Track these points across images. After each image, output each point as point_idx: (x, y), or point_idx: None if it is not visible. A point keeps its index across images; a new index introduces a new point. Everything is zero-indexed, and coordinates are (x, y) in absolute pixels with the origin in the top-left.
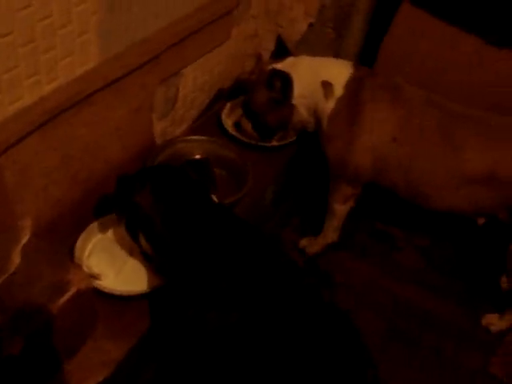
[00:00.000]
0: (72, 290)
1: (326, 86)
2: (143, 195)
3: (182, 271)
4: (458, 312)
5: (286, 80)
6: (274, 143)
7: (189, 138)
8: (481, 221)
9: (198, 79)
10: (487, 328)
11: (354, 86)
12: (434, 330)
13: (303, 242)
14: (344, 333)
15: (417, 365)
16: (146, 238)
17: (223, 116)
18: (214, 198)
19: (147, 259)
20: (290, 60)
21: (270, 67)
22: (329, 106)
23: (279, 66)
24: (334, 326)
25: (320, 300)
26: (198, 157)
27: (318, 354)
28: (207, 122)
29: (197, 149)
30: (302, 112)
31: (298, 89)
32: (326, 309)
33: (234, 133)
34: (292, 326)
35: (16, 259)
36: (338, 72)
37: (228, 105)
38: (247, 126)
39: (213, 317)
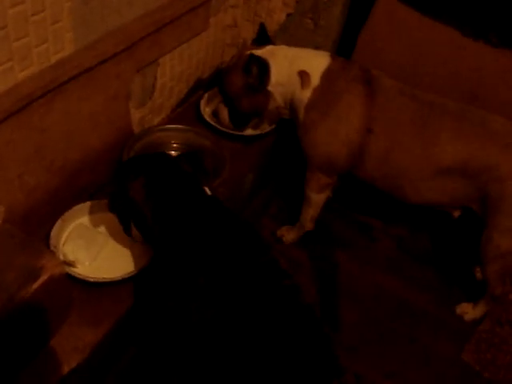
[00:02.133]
0: (45, 276)
1: (303, 75)
2: (136, 189)
3: (169, 263)
4: (433, 301)
5: (263, 66)
6: (249, 132)
7: (166, 126)
8: (456, 214)
9: (175, 69)
10: (461, 317)
11: (331, 77)
12: (409, 318)
13: (280, 231)
14: (314, 339)
15: (392, 353)
16: (138, 229)
17: (202, 105)
18: (208, 190)
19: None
20: (269, 48)
21: (248, 52)
22: (305, 95)
23: (258, 52)
24: (304, 332)
25: (296, 303)
26: (175, 145)
27: (285, 361)
28: (186, 111)
29: (174, 138)
30: (278, 100)
31: (274, 76)
32: (299, 312)
33: (212, 122)
34: (263, 329)
35: None
36: (316, 62)
37: (207, 95)
38: (223, 112)
39: (191, 310)
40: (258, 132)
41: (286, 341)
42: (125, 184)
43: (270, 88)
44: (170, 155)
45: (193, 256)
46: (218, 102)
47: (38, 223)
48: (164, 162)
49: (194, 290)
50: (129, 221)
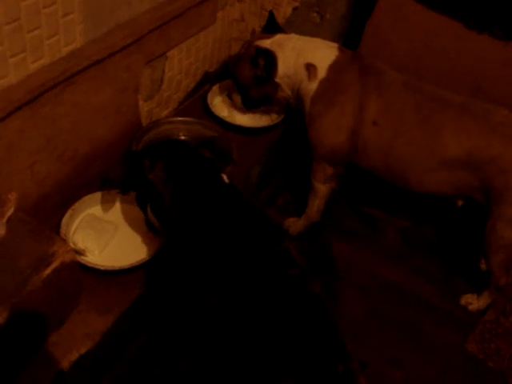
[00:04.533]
0: (56, 263)
1: (310, 68)
2: (156, 173)
3: (183, 248)
4: (437, 292)
5: (270, 59)
6: (256, 124)
7: (174, 119)
8: (460, 202)
9: (183, 62)
10: (465, 307)
11: (337, 69)
12: (414, 309)
13: (287, 223)
14: (322, 326)
15: (397, 342)
16: (154, 213)
17: (209, 99)
18: (225, 178)
19: (152, 230)
20: (278, 38)
21: (256, 44)
22: (312, 87)
23: (267, 42)
24: (312, 319)
25: (304, 291)
26: (182, 138)
27: (291, 346)
28: (193, 104)
29: (182, 130)
30: (286, 90)
31: (282, 68)
32: (307, 301)
33: (219, 115)
34: (270, 318)
35: (1, 231)
36: (323, 54)
37: (214, 88)
38: (236, 97)
39: (201, 296)
40: (264, 124)
41: (294, 328)
42: (142, 166)
43: (277, 79)
44: (189, 142)
45: (208, 242)
46: (232, 88)
47: (48, 212)
48: (183, 147)
49: (205, 277)
50: (146, 205)
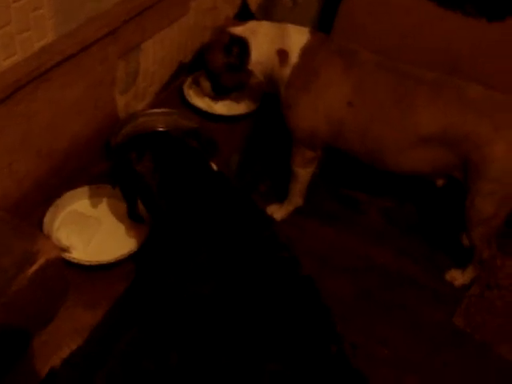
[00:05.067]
0: (41, 260)
1: (281, 53)
2: (144, 164)
3: (172, 238)
4: (423, 270)
5: (243, 47)
6: (234, 112)
7: (152, 111)
8: (440, 182)
9: (158, 53)
10: (451, 283)
11: (309, 53)
12: (400, 287)
13: (270, 209)
14: (312, 308)
15: (385, 322)
16: (144, 204)
17: (185, 89)
18: (214, 166)
19: (137, 220)
20: (250, 25)
21: (229, 30)
22: (285, 73)
23: (239, 29)
24: (302, 302)
25: (294, 274)
26: (161, 129)
27: (283, 329)
28: (170, 96)
29: (160, 121)
30: (259, 76)
31: (255, 55)
32: (297, 283)
33: (197, 105)
34: (260, 302)
35: None
36: (295, 39)
37: (190, 78)
38: (205, 84)
39: (189, 286)
40: (242, 112)
41: (285, 310)
42: (128, 158)
43: (250, 67)
44: (173, 133)
45: (197, 230)
46: (200, 73)
47: (29, 210)
48: (169, 137)
49: (195, 266)
50: (135, 197)
